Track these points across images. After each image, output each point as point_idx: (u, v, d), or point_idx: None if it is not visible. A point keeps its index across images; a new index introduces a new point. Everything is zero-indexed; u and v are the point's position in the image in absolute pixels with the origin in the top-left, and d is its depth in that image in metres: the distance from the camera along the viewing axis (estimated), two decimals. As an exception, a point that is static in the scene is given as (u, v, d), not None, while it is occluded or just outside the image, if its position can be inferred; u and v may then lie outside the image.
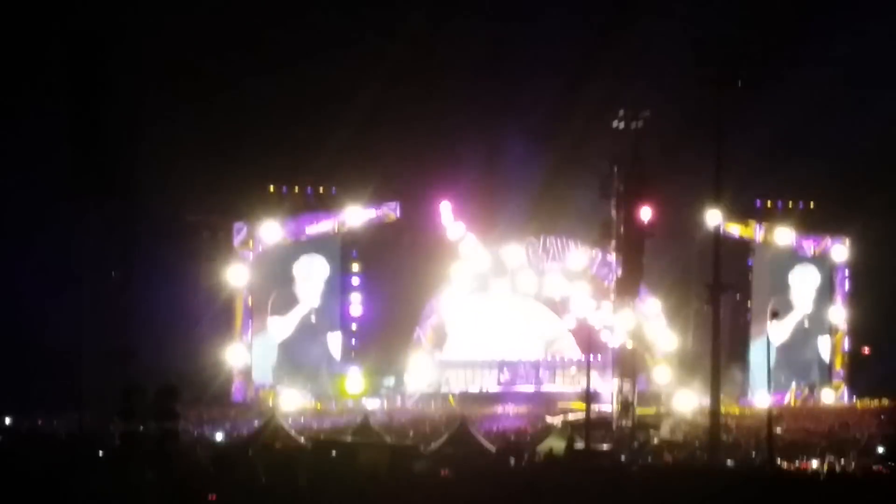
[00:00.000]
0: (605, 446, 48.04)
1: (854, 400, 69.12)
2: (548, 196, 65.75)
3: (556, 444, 44.86)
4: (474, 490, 34.22)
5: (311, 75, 61.51)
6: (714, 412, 49.56)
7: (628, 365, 55.78)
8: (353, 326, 65.64)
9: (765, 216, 70.10)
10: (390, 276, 65.46)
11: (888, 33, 63.29)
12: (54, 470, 34.10)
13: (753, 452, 47.35)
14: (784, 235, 70.02)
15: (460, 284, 67.95)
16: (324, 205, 65.58)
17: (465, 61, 64.99)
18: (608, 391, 59.23)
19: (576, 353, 68.63)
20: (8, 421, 52.40)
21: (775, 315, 65.12)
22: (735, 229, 68.04)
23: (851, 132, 65.23)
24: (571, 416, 57.14)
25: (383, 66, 61.26)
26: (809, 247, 71.39)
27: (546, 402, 64.04)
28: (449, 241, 67.15)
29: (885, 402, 65.02)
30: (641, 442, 50.91)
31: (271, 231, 64.01)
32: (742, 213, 68.05)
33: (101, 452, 39.56)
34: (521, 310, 70.07)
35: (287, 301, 65.05)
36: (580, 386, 60.72)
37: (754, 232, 69.80)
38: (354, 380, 64.50)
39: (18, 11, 56.63)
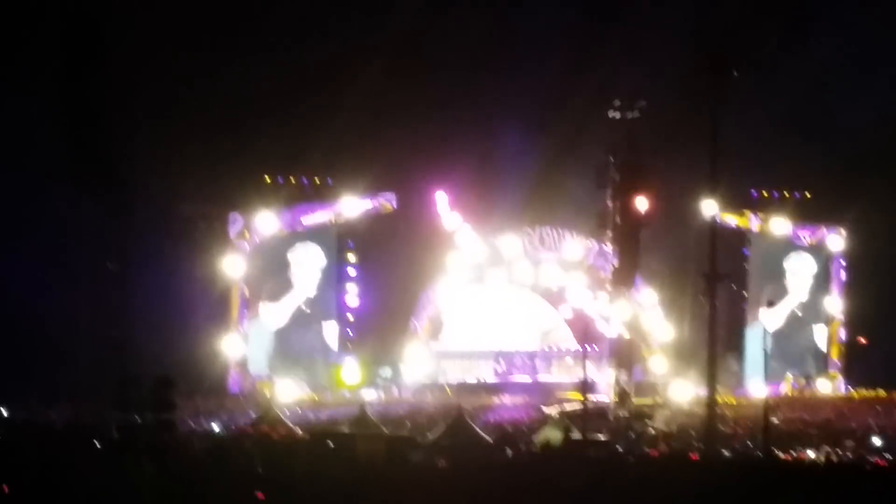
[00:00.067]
0: (602, 436, 48.03)
1: (850, 390, 69.20)
2: (544, 186, 65.65)
3: (553, 435, 44.83)
4: (471, 480, 34.20)
5: (307, 65, 61.34)
6: (710, 402, 49.52)
7: (625, 355, 55.81)
8: (350, 317, 65.62)
9: (761, 206, 70.08)
10: (386, 267, 65.37)
11: (885, 22, 63.22)
12: (52, 461, 34.01)
13: (749, 442, 47.40)
14: (780, 225, 70.01)
15: (456, 275, 67.91)
16: (320, 195, 65.43)
17: (460, 51, 64.78)
18: (605, 381, 59.32)
19: (572, 344, 68.60)
20: (4, 412, 52.22)
21: (771, 304, 65.05)
22: (731, 219, 68.01)
23: (848, 122, 65.15)
24: (568, 407, 57.10)
25: (379, 56, 61.11)
26: (805, 236, 71.41)
27: (542, 392, 63.91)
28: (445, 232, 67.08)
29: (882, 392, 65.12)
30: (638, 432, 50.88)
31: (267, 222, 63.88)
32: (738, 202, 67.96)
33: (98, 444, 39.41)
34: (517, 300, 70.05)
35: (282, 287, 64.97)
36: (577, 376, 60.58)
37: (750, 222, 69.80)
38: (351, 370, 64.44)
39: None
